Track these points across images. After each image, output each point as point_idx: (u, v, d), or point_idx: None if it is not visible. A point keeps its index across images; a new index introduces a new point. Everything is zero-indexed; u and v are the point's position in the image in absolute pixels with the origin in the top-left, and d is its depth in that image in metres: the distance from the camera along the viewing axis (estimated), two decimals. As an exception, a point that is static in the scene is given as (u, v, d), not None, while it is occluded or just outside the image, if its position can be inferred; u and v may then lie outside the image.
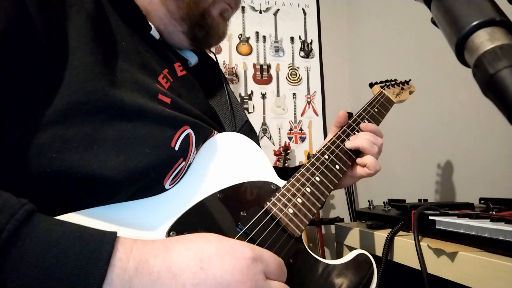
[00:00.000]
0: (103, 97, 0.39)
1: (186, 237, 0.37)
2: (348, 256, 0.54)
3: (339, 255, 1.00)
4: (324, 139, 1.87)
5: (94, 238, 0.31)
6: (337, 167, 0.62)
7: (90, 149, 0.37)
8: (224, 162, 0.52)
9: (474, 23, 0.25)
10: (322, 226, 1.69)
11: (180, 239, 0.37)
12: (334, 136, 0.68)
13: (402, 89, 0.90)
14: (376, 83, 0.90)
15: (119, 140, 0.39)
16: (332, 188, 0.59)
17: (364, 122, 0.72)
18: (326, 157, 0.63)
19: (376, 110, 0.77)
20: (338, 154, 0.64)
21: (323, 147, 0.65)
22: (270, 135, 1.85)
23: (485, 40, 0.25)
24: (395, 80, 0.91)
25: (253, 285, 0.34)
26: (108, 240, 0.32)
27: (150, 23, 0.51)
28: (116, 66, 0.43)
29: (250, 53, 1.88)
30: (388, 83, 0.89)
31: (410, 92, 0.92)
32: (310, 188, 0.56)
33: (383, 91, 0.84)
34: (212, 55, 0.72)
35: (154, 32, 0.52)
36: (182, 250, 0.35)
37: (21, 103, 0.35)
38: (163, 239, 0.37)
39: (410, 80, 0.94)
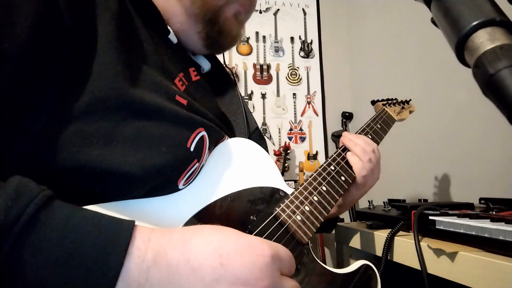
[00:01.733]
0: (124, 95, 0.39)
1: (203, 229, 0.37)
2: (353, 266, 0.55)
3: (340, 255, 1.00)
4: (324, 139, 1.88)
5: (112, 225, 0.32)
6: (343, 178, 0.64)
7: (109, 145, 0.38)
8: (236, 167, 0.53)
9: (474, 23, 0.25)
10: (322, 226, 1.69)
11: (198, 230, 0.36)
12: (340, 148, 0.69)
13: (403, 108, 0.93)
14: (378, 100, 0.94)
15: (137, 137, 0.40)
16: (338, 198, 0.61)
17: (368, 137, 0.74)
18: (332, 168, 0.64)
19: (379, 126, 0.79)
20: (343, 166, 0.66)
21: (330, 158, 0.66)
22: (270, 135, 1.85)
23: (485, 40, 0.25)
24: (396, 99, 0.95)
25: (270, 282, 0.35)
26: (126, 228, 0.32)
27: (169, 27, 0.52)
28: (137, 66, 0.43)
29: (250, 53, 1.88)
30: (389, 101, 0.92)
31: (410, 112, 0.96)
32: (317, 197, 0.57)
33: (385, 108, 0.87)
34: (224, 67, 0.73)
35: (172, 37, 0.53)
36: (201, 243, 0.34)
37: (45, 98, 0.35)
38: (181, 230, 0.37)
39: (410, 100, 0.96)
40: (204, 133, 0.48)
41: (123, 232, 0.31)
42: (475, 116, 1.12)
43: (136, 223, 0.33)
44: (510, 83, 0.22)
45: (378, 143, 0.76)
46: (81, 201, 0.36)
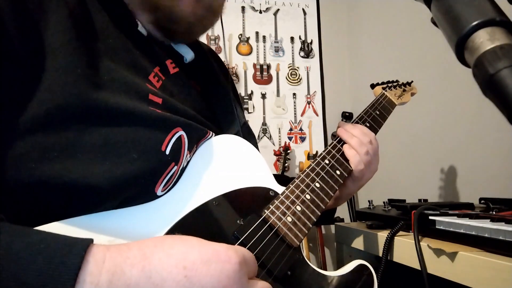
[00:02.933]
0: (86, 101, 0.36)
1: (164, 241, 0.34)
2: (348, 267, 0.52)
3: (339, 255, 1.00)
4: (324, 139, 1.88)
5: (61, 251, 0.28)
6: (338, 172, 0.60)
7: (72, 157, 0.35)
8: (220, 167, 0.50)
9: (474, 23, 0.25)
10: (322, 226, 1.69)
11: (159, 243, 0.34)
12: (335, 140, 0.66)
13: (404, 90, 0.88)
14: (377, 84, 0.88)
15: (104, 146, 0.37)
16: (333, 194, 0.58)
17: (366, 125, 0.70)
18: (327, 162, 0.60)
19: (378, 112, 0.75)
20: (339, 159, 0.62)
21: (324, 151, 0.63)
22: (270, 135, 1.84)
23: (485, 40, 0.25)
24: (397, 81, 0.90)
25: None
26: (77, 251, 0.29)
27: (137, 20, 0.48)
28: (101, 66, 0.40)
29: (250, 53, 1.88)
30: (390, 84, 0.87)
31: (412, 94, 0.90)
32: (309, 195, 0.54)
33: (385, 92, 0.82)
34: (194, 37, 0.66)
35: (142, 29, 0.49)
36: (162, 256, 0.32)
37: None
38: (139, 244, 0.33)
39: (412, 81, 0.92)
40: (182, 132, 0.44)
41: (73, 257, 0.28)
42: (475, 116, 1.12)
43: (94, 242, 0.30)
44: (510, 83, 0.22)
45: (377, 131, 0.72)
46: (47, 218, 0.34)
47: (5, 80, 0.33)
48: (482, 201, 0.90)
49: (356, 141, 0.64)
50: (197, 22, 0.50)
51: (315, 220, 0.53)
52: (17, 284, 0.26)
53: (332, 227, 1.79)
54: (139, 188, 0.40)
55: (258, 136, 1.82)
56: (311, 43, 1.96)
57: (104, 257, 0.30)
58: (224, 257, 0.33)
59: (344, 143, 0.66)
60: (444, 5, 0.28)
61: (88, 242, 0.30)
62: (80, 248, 0.29)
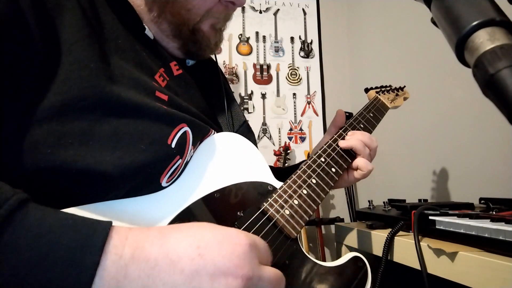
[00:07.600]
0: (99, 93, 0.39)
1: (181, 225, 0.37)
2: (343, 259, 0.54)
3: (339, 255, 1.00)
4: (324, 139, 1.88)
5: (88, 226, 0.31)
6: (333, 170, 0.63)
7: (85, 145, 0.37)
8: (222, 162, 0.52)
9: (474, 23, 0.25)
10: (322, 226, 1.69)
11: (175, 226, 0.36)
12: (331, 139, 0.68)
13: (397, 95, 0.91)
14: (371, 88, 0.92)
15: (115, 136, 0.39)
16: (328, 190, 0.60)
17: (360, 126, 0.73)
18: (323, 159, 0.63)
19: (372, 115, 0.78)
20: (334, 157, 0.65)
21: (320, 149, 0.65)
22: (270, 135, 1.84)
23: (485, 40, 0.25)
24: (390, 86, 0.93)
25: (249, 269, 0.35)
26: (102, 227, 0.32)
27: (144, 25, 0.52)
28: (112, 63, 0.42)
29: (250, 53, 1.88)
30: (383, 89, 0.90)
31: (405, 99, 0.94)
32: (306, 190, 0.57)
33: (378, 96, 0.86)
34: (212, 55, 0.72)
35: (149, 33, 0.52)
36: (179, 237, 0.35)
37: (15, 99, 0.35)
38: (158, 227, 0.37)
39: (404, 86, 0.95)
40: (186, 128, 0.47)
41: (99, 231, 0.31)
42: (475, 116, 1.12)
43: (113, 224, 0.33)
44: (510, 83, 0.22)
45: (370, 132, 0.75)
46: (60, 203, 0.36)
47: (25, 72, 0.36)
48: (482, 201, 0.90)
49: (367, 152, 0.68)
50: (216, 46, 0.61)
51: (311, 213, 0.55)
52: (50, 254, 0.29)
53: (332, 227, 1.79)
54: (145, 178, 0.42)
55: (258, 136, 1.82)
56: (311, 43, 1.96)
57: (127, 235, 0.33)
58: (235, 239, 0.36)
59: (339, 138, 0.68)
60: (444, 5, 0.29)
61: (110, 222, 0.33)
62: (104, 225, 0.32)
